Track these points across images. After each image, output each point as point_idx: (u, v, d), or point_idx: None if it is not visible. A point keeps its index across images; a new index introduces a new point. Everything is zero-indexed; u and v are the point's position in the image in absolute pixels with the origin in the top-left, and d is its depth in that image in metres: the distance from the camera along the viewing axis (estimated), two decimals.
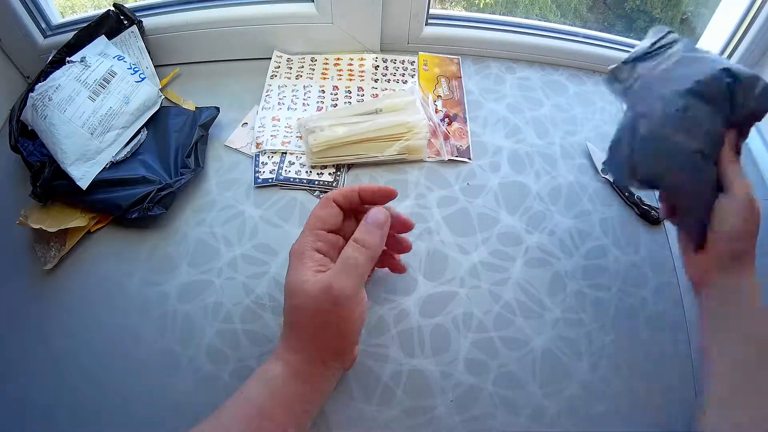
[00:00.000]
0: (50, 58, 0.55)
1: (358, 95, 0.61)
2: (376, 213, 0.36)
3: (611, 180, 0.55)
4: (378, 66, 0.64)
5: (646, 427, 0.41)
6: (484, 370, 0.42)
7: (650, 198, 0.54)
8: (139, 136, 0.54)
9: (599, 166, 0.56)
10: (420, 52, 0.66)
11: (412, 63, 0.65)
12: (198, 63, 0.64)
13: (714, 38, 0.68)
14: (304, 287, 0.33)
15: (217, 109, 0.57)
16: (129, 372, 0.42)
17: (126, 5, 0.58)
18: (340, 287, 0.32)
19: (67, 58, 0.54)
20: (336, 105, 0.60)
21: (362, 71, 0.63)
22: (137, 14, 0.59)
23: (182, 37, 0.62)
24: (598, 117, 0.62)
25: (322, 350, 0.34)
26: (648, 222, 0.53)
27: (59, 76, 0.52)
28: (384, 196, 0.38)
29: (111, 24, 0.57)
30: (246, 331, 0.43)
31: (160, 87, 0.59)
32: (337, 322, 0.33)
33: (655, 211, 0.52)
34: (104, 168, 0.51)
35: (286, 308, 0.34)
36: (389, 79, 0.63)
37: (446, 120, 0.59)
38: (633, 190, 0.54)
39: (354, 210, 0.39)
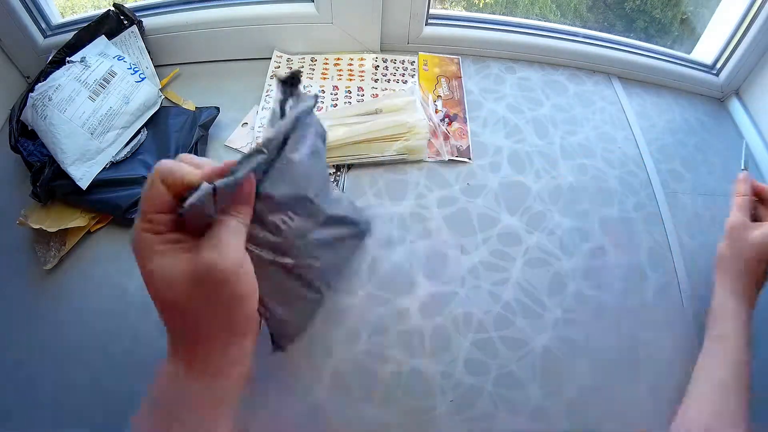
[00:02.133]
0: (50, 58, 0.55)
1: (358, 95, 0.61)
2: (244, 184, 0.30)
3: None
4: (378, 66, 0.64)
5: (646, 427, 0.41)
6: (484, 370, 0.42)
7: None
8: (139, 136, 0.54)
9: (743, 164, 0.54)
10: (420, 52, 0.66)
11: (412, 63, 0.65)
12: (198, 63, 0.64)
13: (714, 38, 0.68)
14: (172, 273, 0.27)
15: (217, 109, 0.57)
16: (129, 372, 0.42)
17: (126, 5, 0.58)
18: (224, 257, 0.27)
19: (67, 58, 0.54)
20: (336, 105, 0.60)
21: (362, 71, 0.63)
22: (137, 14, 0.59)
23: (182, 37, 0.62)
24: (598, 117, 0.62)
25: (216, 336, 0.29)
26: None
27: (59, 76, 0.52)
28: (224, 172, 0.30)
29: (111, 24, 0.57)
30: None
31: (160, 87, 0.59)
32: (226, 300, 0.28)
33: None
34: (104, 168, 0.51)
35: (159, 305, 0.29)
36: (389, 79, 0.63)
37: (446, 120, 0.59)
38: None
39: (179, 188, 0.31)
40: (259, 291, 0.31)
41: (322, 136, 0.39)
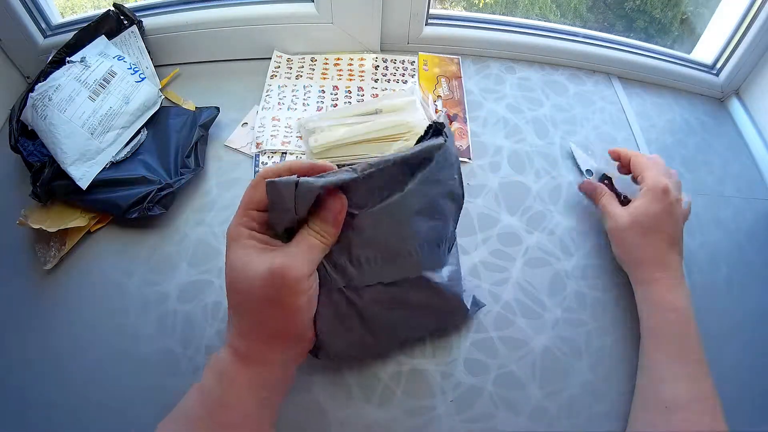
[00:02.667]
0: (50, 58, 0.55)
1: (358, 95, 0.61)
2: (332, 201, 0.32)
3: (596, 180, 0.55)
4: (378, 66, 0.64)
5: None
6: (484, 370, 0.42)
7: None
8: (139, 136, 0.54)
9: (583, 167, 0.56)
10: (420, 52, 0.66)
11: (412, 63, 0.65)
12: (198, 63, 0.64)
13: (714, 38, 0.68)
14: (249, 267, 0.30)
15: (217, 109, 0.57)
16: (129, 372, 0.42)
17: (126, 5, 0.58)
18: (293, 267, 0.29)
19: (67, 58, 0.54)
20: (336, 105, 0.60)
21: (362, 71, 0.63)
22: (137, 14, 0.59)
23: (182, 37, 0.62)
24: (598, 117, 0.62)
25: (272, 336, 0.31)
26: None
27: (59, 76, 0.52)
28: (318, 172, 0.33)
29: (111, 24, 0.57)
30: None
31: (160, 87, 0.59)
32: (284, 306, 0.30)
33: None
34: (104, 168, 0.51)
35: (230, 292, 0.31)
36: (389, 79, 0.63)
37: (446, 120, 0.59)
38: (618, 190, 0.54)
39: None
40: (316, 310, 0.32)
41: (453, 195, 0.37)
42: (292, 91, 0.61)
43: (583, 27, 0.68)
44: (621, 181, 0.52)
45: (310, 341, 0.34)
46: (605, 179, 0.55)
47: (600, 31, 0.69)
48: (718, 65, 0.68)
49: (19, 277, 0.47)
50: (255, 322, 0.31)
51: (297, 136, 0.56)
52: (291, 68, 0.63)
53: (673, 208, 0.45)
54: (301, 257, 0.30)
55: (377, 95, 0.61)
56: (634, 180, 0.49)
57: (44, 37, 0.60)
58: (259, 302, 0.30)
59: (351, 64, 0.64)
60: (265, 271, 0.29)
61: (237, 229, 0.32)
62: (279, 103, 0.59)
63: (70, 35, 0.55)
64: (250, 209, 0.32)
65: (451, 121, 0.59)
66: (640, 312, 0.45)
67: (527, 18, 0.69)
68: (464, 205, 0.39)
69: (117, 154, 0.52)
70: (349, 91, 0.61)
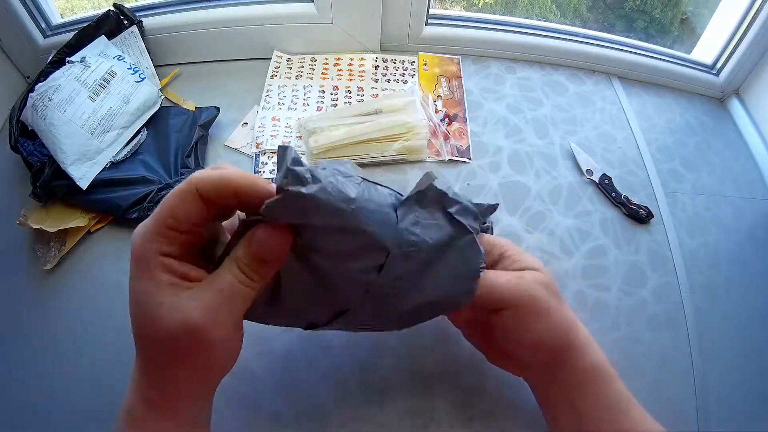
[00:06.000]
0: (50, 58, 0.55)
1: (358, 95, 0.61)
2: (270, 240, 0.25)
3: (596, 181, 0.55)
4: (378, 66, 0.64)
5: None
6: (485, 370, 0.42)
7: (638, 197, 0.54)
8: (139, 136, 0.54)
9: (583, 167, 0.56)
10: (420, 52, 0.66)
11: (412, 63, 0.65)
12: (198, 63, 0.64)
13: (714, 38, 0.68)
14: (158, 313, 0.24)
15: (217, 109, 0.57)
16: (129, 372, 0.42)
17: (126, 5, 0.58)
18: (215, 327, 0.24)
19: (67, 58, 0.54)
20: (336, 105, 0.60)
21: (362, 71, 0.63)
22: (137, 14, 0.59)
23: (182, 37, 0.62)
24: (598, 117, 0.62)
25: (183, 388, 0.26)
26: (636, 221, 0.53)
27: (59, 76, 0.52)
28: (265, 197, 0.25)
29: (111, 24, 0.57)
30: (246, 332, 0.43)
31: (160, 87, 0.59)
32: (200, 365, 0.26)
33: (642, 209, 0.52)
34: (104, 168, 0.51)
35: (135, 332, 0.26)
36: (389, 79, 0.63)
37: (446, 120, 0.59)
38: (619, 189, 0.54)
39: (226, 214, 0.28)
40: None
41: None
42: (292, 91, 0.61)
43: (583, 27, 0.68)
44: (621, 181, 0.52)
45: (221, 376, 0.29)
46: (605, 179, 0.55)
47: (600, 31, 0.69)
48: (718, 65, 0.68)
49: (19, 277, 0.47)
50: (166, 372, 0.26)
51: (297, 136, 0.56)
52: (291, 68, 0.63)
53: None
54: (225, 311, 0.25)
55: (377, 95, 0.61)
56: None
57: (44, 37, 0.60)
58: (169, 359, 0.25)
59: (351, 64, 0.64)
60: (178, 326, 0.24)
61: (148, 248, 0.24)
62: (279, 103, 0.59)
63: (70, 35, 0.55)
64: (170, 227, 0.25)
65: (450, 122, 0.59)
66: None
67: (527, 18, 0.69)
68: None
69: (117, 154, 0.52)
70: (349, 91, 0.61)
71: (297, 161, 0.25)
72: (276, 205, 0.24)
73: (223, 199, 0.25)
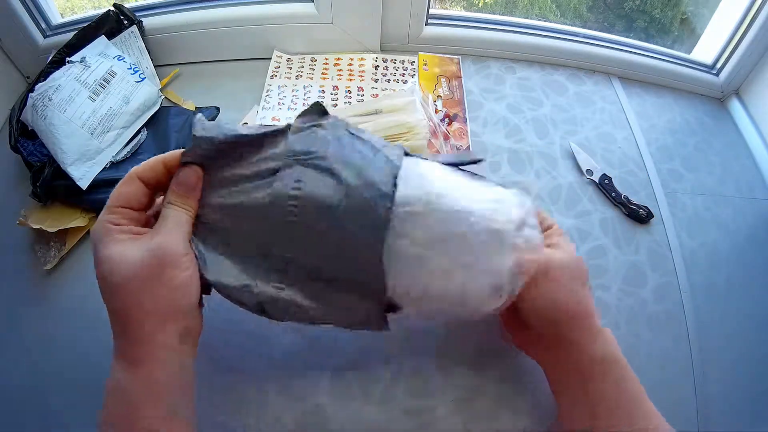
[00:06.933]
0: (50, 58, 0.55)
1: (358, 95, 0.61)
2: (186, 174, 0.32)
3: (596, 181, 0.55)
4: (378, 66, 0.64)
5: None
6: (485, 370, 0.42)
7: (638, 197, 0.54)
8: (139, 136, 0.54)
9: (583, 167, 0.56)
10: (420, 52, 0.66)
11: (412, 63, 0.65)
12: (198, 63, 0.64)
13: (714, 38, 0.68)
14: (127, 255, 0.29)
15: (217, 109, 0.57)
16: None
17: (126, 5, 0.58)
18: (172, 243, 0.30)
19: (67, 58, 0.54)
20: (336, 105, 0.60)
21: (362, 71, 0.63)
22: (137, 14, 0.59)
23: (182, 37, 0.62)
24: (598, 117, 0.62)
25: (155, 315, 0.30)
26: (636, 221, 0.53)
27: (59, 76, 0.52)
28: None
29: (111, 24, 0.57)
30: (246, 332, 0.43)
31: (160, 87, 0.59)
32: (167, 283, 0.29)
33: (642, 209, 0.53)
34: (104, 168, 0.51)
35: (106, 287, 0.30)
36: (389, 79, 0.63)
37: (446, 120, 0.59)
38: (619, 189, 0.54)
39: (162, 185, 0.34)
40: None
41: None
42: (292, 91, 0.61)
43: (583, 27, 0.68)
44: (621, 181, 0.52)
45: (197, 327, 0.33)
46: (605, 179, 0.55)
47: (600, 31, 0.69)
48: (718, 65, 0.68)
49: (19, 277, 0.47)
50: (136, 305, 0.29)
51: None
52: (291, 68, 0.63)
53: None
54: (175, 233, 0.31)
55: (377, 95, 0.61)
56: None
57: (44, 37, 0.60)
58: (141, 282, 0.29)
59: (351, 64, 0.64)
60: (145, 253, 0.29)
61: (104, 226, 0.30)
62: (279, 103, 0.59)
63: (70, 35, 0.55)
64: (119, 206, 0.31)
65: (450, 122, 0.59)
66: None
67: (527, 18, 0.69)
68: None
69: (117, 154, 0.52)
70: (349, 91, 0.61)
71: (202, 120, 0.33)
72: (188, 151, 0.33)
73: (155, 172, 0.33)
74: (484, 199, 0.34)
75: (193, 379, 0.32)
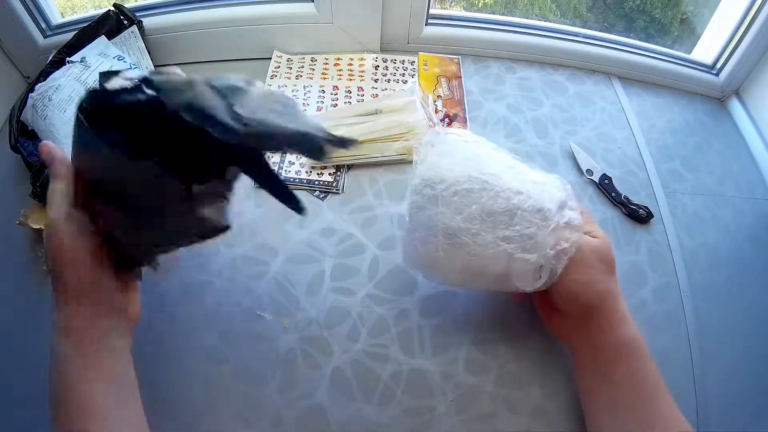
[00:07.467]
0: (50, 58, 0.55)
1: (358, 95, 0.61)
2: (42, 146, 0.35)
3: (596, 181, 0.55)
4: (378, 66, 0.64)
5: None
6: (484, 370, 0.42)
7: (638, 197, 0.54)
8: None
9: (583, 167, 0.56)
10: (420, 52, 0.66)
11: (412, 63, 0.65)
12: (198, 63, 0.64)
13: (714, 38, 0.68)
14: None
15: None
16: None
17: (126, 5, 0.58)
18: (50, 211, 0.33)
19: (67, 58, 0.54)
20: (336, 105, 0.60)
21: (362, 71, 0.63)
22: (137, 14, 0.59)
23: (182, 37, 0.62)
24: (598, 117, 0.62)
25: (70, 289, 0.32)
26: (636, 221, 0.53)
27: (59, 76, 0.52)
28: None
29: (111, 24, 0.57)
30: (246, 332, 0.43)
31: None
32: (58, 253, 0.32)
33: (642, 209, 0.53)
34: None
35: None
36: (389, 79, 0.63)
37: (446, 120, 0.59)
38: (619, 189, 0.54)
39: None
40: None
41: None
42: (292, 91, 0.61)
43: (583, 27, 0.68)
44: (621, 181, 0.52)
45: (95, 292, 0.34)
46: (605, 179, 0.55)
47: (600, 31, 0.69)
48: (718, 65, 0.68)
49: (19, 277, 0.47)
50: (56, 281, 0.32)
51: None
52: (291, 68, 0.63)
53: None
54: (53, 201, 0.33)
55: (377, 95, 0.61)
56: None
57: (44, 37, 0.60)
58: (51, 262, 0.32)
59: (351, 64, 0.64)
60: (49, 231, 0.32)
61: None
62: None
63: (70, 35, 0.55)
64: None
65: (450, 122, 0.59)
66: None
67: (527, 18, 0.69)
68: None
69: None
70: (349, 91, 0.61)
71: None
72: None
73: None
74: (529, 180, 0.37)
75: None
